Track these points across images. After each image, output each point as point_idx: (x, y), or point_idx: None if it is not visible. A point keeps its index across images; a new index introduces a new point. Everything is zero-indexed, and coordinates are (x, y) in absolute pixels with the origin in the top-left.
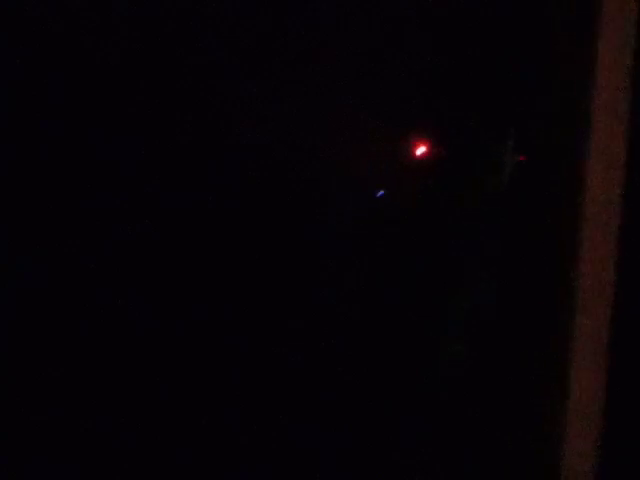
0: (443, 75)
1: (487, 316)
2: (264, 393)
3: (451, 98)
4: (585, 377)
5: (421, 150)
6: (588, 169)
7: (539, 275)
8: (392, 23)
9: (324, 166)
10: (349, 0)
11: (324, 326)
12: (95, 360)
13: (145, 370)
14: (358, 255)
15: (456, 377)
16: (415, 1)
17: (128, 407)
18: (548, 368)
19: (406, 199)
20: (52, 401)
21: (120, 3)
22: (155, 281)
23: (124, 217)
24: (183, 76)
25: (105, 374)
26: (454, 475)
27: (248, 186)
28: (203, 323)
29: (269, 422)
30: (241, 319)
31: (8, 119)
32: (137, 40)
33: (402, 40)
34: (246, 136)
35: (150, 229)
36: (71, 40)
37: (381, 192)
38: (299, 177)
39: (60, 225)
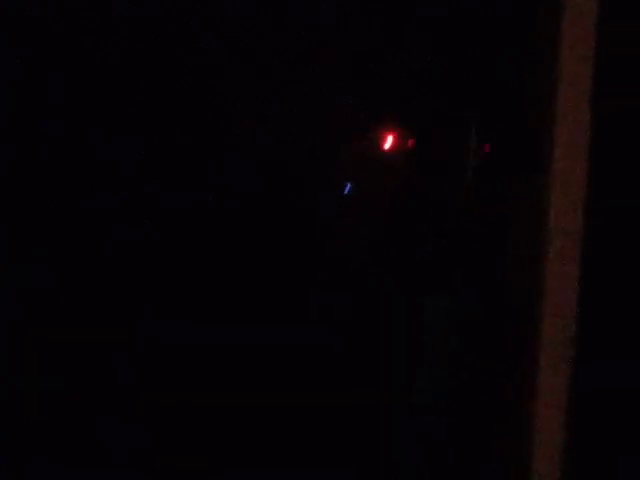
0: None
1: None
2: (263, 392)
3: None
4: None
5: (389, 143)
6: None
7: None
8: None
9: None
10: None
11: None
12: (95, 359)
13: (145, 370)
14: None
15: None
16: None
17: (128, 407)
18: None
19: (376, 193)
20: (52, 402)
21: (120, 3)
22: (155, 280)
23: (124, 217)
24: (183, 76)
25: (105, 374)
26: None
27: (247, 186)
28: (202, 323)
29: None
30: (239, 319)
31: (8, 119)
32: (137, 40)
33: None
34: (245, 137)
35: (150, 229)
36: (71, 40)
37: (348, 186)
38: (295, 177)
39: (60, 225)
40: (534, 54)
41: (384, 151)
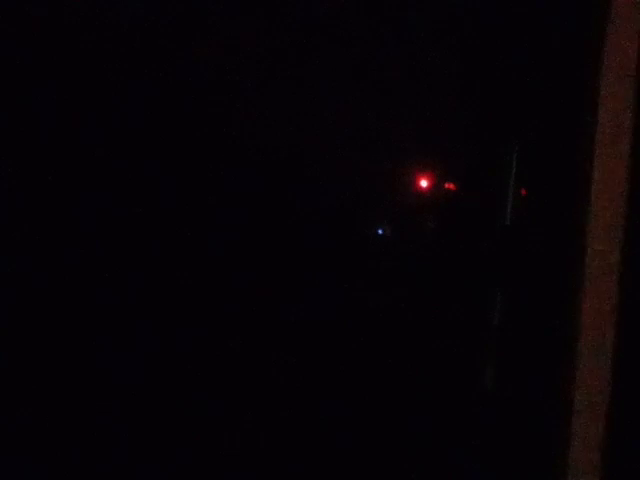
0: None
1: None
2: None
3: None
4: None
5: (425, 183)
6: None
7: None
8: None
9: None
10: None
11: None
12: (95, 360)
13: (144, 370)
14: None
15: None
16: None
17: (128, 408)
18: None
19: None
20: (52, 402)
21: (120, 3)
22: (155, 280)
23: (124, 217)
24: (183, 77)
25: (105, 375)
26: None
27: (249, 187)
28: (203, 324)
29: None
30: (241, 319)
31: (8, 119)
32: (137, 40)
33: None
34: (248, 137)
35: (150, 228)
36: (71, 40)
37: (380, 230)
38: (300, 180)
39: (60, 225)
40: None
41: (419, 191)
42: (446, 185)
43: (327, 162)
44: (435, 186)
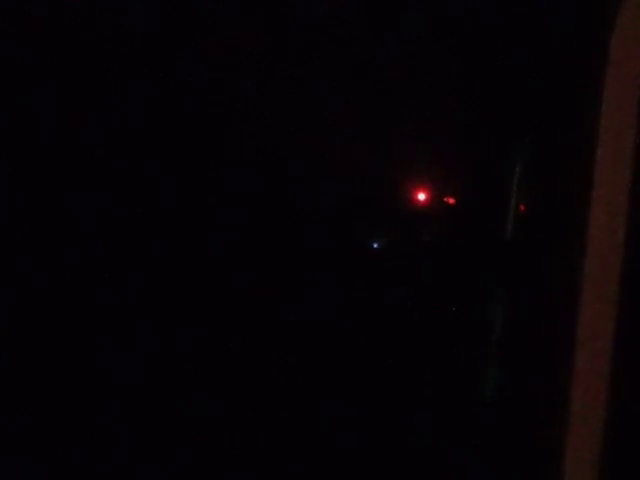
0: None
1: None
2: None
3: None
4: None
5: (423, 196)
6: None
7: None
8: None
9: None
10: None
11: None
12: (95, 360)
13: (142, 371)
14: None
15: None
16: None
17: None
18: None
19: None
20: (52, 403)
21: (122, 3)
22: (154, 280)
23: (124, 217)
24: (183, 77)
25: (104, 375)
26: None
27: (248, 188)
28: (203, 325)
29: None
30: (241, 319)
31: (8, 119)
32: (137, 40)
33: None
34: (247, 139)
35: (149, 228)
36: (72, 40)
37: (376, 244)
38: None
39: (61, 226)
40: (575, 123)
41: (417, 205)
42: (445, 198)
43: (326, 163)
44: (434, 197)
